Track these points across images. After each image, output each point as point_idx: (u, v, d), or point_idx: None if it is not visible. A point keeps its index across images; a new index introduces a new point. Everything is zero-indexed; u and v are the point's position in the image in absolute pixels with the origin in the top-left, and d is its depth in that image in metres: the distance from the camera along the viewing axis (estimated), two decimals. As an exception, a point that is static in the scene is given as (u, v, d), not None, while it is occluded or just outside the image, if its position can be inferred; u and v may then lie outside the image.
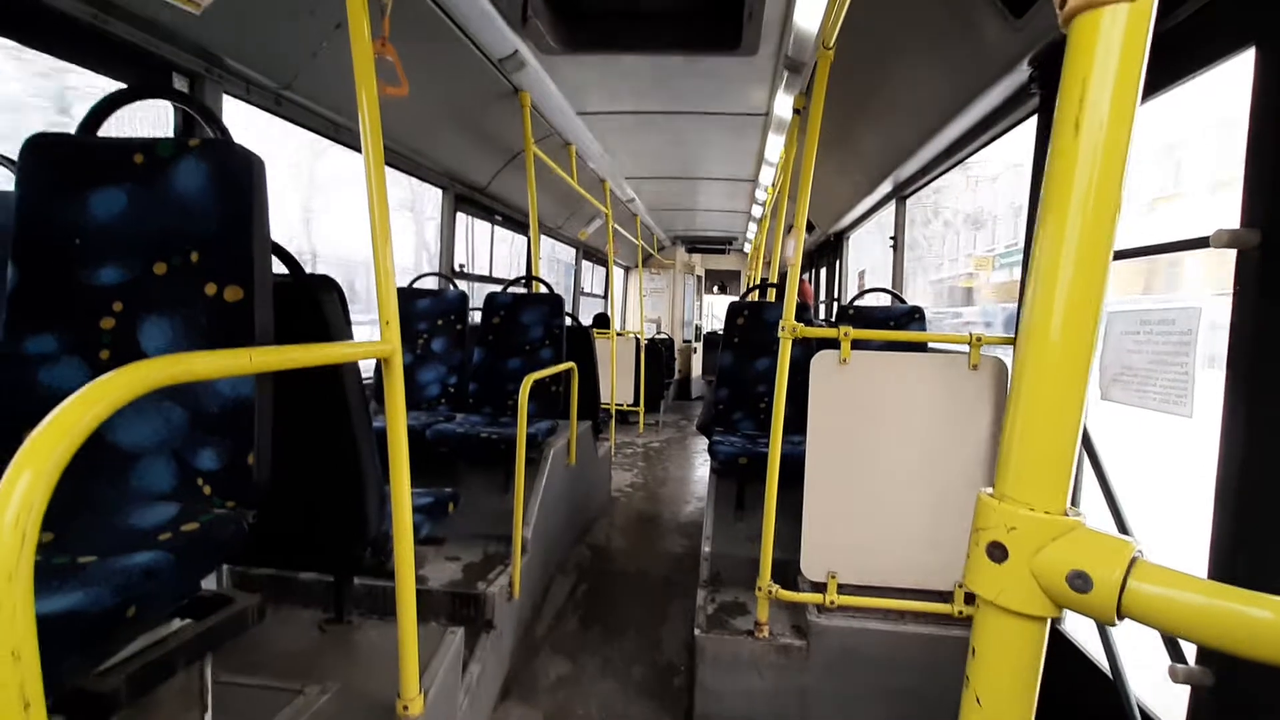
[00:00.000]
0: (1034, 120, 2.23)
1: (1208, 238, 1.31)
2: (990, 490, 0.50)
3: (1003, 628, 0.48)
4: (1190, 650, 1.35)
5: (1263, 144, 1.25)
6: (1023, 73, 2.16)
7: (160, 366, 0.71)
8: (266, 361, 0.92)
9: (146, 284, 1.13)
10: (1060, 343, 0.46)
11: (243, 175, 1.11)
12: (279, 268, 1.32)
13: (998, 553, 0.46)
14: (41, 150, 1.16)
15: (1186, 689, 1.35)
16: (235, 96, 2.27)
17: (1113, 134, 0.44)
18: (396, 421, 1.28)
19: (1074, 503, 1.88)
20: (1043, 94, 2.12)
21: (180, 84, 2.06)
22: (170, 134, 2.05)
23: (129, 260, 1.14)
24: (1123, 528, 1.53)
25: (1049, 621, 0.48)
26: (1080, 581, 0.42)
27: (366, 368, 2.82)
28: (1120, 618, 0.41)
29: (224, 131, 1.33)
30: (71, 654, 0.79)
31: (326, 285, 1.36)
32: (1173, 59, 1.56)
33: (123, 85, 1.64)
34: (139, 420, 1.12)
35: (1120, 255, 1.73)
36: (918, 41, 2.53)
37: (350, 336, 1.42)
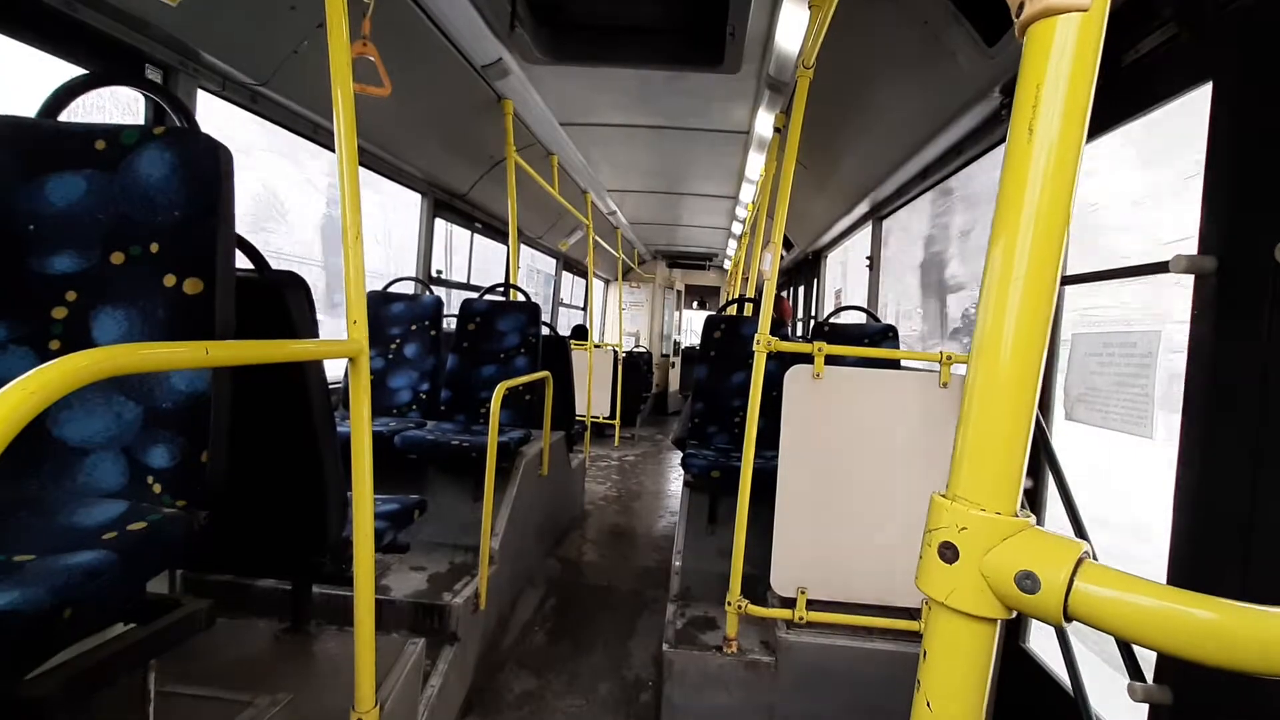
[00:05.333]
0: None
1: (1166, 263, 1.35)
2: (943, 492, 0.50)
3: (953, 629, 0.48)
4: (1150, 670, 1.37)
5: (1218, 175, 1.30)
6: (995, 99, 2.22)
7: (106, 356, 0.68)
8: (224, 356, 0.89)
9: (103, 273, 1.09)
10: (1012, 346, 0.47)
11: (209, 165, 1.09)
12: (244, 262, 1.29)
13: (949, 553, 0.46)
14: None
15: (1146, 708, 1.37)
16: (210, 91, 2.23)
17: (1065, 138, 0.45)
18: (361, 423, 1.25)
19: (1037, 516, 1.90)
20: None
21: (154, 76, 2.02)
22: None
23: (85, 249, 1.10)
24: (1081, 534, 1.56)
25: (999, 624, 0.48)
26: (1029, 582, 0.42)
27: (337, 374, 2.78)
28: (1068, 619, 0.41)
29: (191, 120, 1.31)
30: (1, 657, 0.75)
31: (293, 281, 1.33)
32: (1135, 91, 1.61)
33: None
34: (88, 415, 1.08)
35: (1081, 279, 1.77)
36: (895, 66, 2.59)
37: (316, 335, 1.39)
